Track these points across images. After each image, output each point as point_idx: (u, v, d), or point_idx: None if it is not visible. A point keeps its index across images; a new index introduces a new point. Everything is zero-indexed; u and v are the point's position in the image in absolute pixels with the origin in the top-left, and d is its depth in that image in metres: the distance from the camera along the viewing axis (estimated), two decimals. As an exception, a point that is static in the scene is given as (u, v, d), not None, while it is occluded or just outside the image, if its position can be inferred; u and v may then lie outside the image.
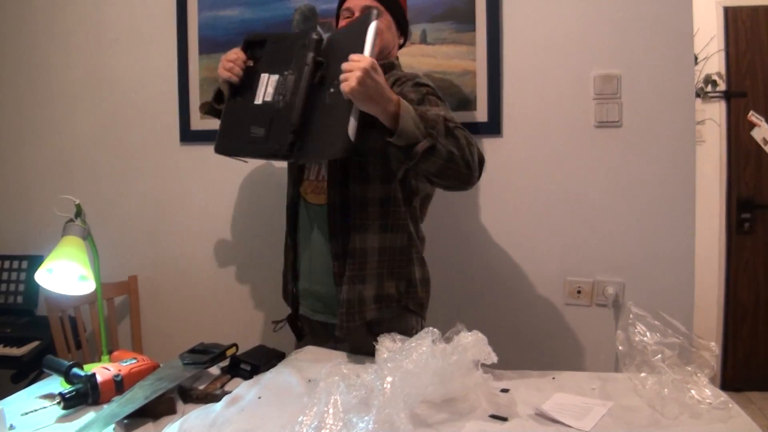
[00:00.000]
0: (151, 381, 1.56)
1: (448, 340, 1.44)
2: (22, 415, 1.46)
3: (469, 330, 1.46)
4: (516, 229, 2.66)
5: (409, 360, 1.32)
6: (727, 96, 3.88)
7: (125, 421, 1.38)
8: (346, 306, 1.84)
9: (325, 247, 1.91)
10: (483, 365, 1.44)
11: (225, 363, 1.79)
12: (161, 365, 1.72)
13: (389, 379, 1.26)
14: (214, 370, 1.76)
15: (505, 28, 2.58)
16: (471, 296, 2.64)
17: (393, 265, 1.90)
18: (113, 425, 1.34)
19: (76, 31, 2.99)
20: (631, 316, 1.53)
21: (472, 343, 1.40)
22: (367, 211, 1.86)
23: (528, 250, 2.65)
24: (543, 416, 1.40)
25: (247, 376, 1.70)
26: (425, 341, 1.35)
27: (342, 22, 1.99)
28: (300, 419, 1.26)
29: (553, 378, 1.66)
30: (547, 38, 2.58)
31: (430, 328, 1.40)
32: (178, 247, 2.92)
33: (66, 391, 1.48)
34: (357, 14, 1.89)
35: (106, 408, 1.44)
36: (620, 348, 1.52)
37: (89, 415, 1.45)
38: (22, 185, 3.09)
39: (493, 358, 1.43)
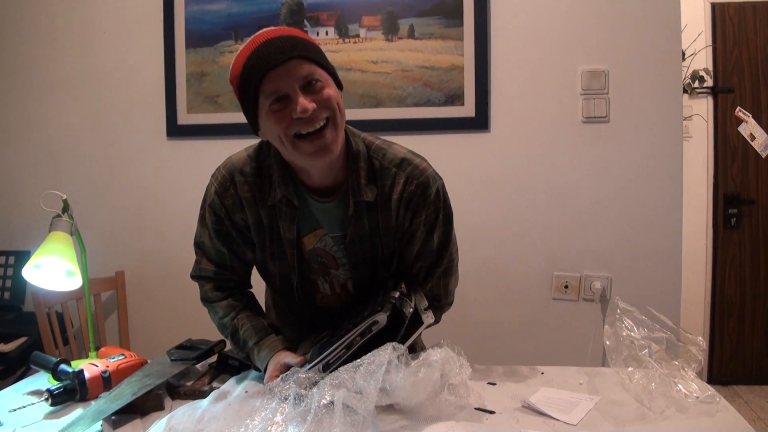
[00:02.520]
0: (139, 377, 1.56)
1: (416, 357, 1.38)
2: (9, 411, 1.45)
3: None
4: (503, 224, 2.67)
5: (354, 375, 1.29)
6: (715, 92, 3.90)
7: (113, 417, 1.38)
8: None
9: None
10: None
11: (213, 359, 1.78)
12: (149, 361, 1.71)
13: (327, 398, 1.26)
14: (202, 366, 1.75)
15: (493, 23, 2.59)
16: (459, 291, 2.63)
17: None
18: (101, 421, 1.33)
19: (62, 24, 2.97)
20: (618, 310, 1.53)
21: (441, 361, 1.35)
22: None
23: (515, 245, 2.66)
24: (530, 409, 1.40)
25: (235, 372, 1.69)
26: (380, 357, 1.29)
27: (270, 111, 1.39)
28: (246, 422, 1.26)
29: (542, 373, 1.66)
30: (535, 33, 2.58)
31: (393, 343, 1.33)
32: (165, 243, 2.91)
33: (53, 387, 1.47)
34: (300, 100, 1.34)
35: (94, 404, 1.43)
36: (607, 342, 1.53)
37: (77, 411, 1.44)
38: (9, 180, 3.07)
39: (465, 375, 1.38)
